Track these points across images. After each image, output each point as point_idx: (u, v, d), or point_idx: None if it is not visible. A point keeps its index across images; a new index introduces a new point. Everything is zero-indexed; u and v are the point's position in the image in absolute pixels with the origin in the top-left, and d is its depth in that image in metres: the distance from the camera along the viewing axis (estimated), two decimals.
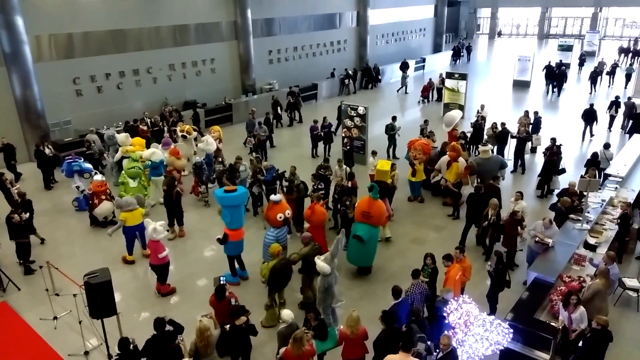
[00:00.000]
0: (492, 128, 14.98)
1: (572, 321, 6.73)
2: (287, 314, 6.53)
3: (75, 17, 16.35)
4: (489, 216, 9.58)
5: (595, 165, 12.09)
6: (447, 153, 12.25)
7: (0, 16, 14.27)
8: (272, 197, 9.30)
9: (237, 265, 9.36)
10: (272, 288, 7.98)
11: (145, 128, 15.89)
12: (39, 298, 8.83)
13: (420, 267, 7.80)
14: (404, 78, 25.74)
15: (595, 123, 17.20)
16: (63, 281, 8.88)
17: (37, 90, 15.34)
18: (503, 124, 14.94)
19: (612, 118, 18.17)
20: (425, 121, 15.48)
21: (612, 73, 25.38)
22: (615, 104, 18.07)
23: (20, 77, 15.00)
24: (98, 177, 11.43)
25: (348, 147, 14.48)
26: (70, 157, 12.88)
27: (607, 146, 13.23)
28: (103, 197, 11.17)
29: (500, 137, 14.82)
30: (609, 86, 24.88)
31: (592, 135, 17.34)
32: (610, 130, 18.14)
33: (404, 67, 27.22)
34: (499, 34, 47.28)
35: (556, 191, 11.89)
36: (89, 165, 13.00)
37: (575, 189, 10.20)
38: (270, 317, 7.99)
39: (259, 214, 11.94)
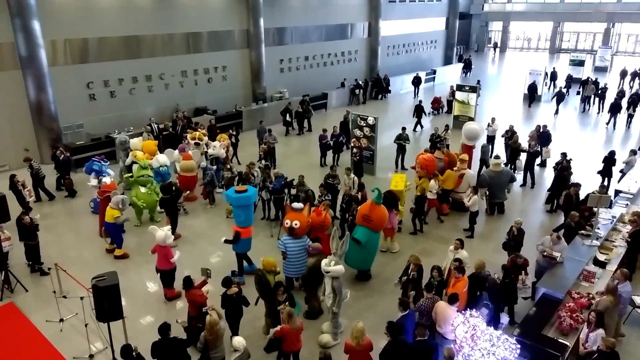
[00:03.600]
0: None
1: (588, 339, 6.66)
2: (238, 341, 6.29)
3: (90, 23, 16.59)
4: (409, 271, 8.20)
5: (612, 163, 13.16)
6: (442, 159, 12.67)
7: (17, 20, 14.54)
8: (294, 204, 9.40)
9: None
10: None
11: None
12: (46, 300, 8.89)
13: (427, 280, 7.79)
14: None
15: (619, 113, 20.24)
16: (71, 284, 8.93)
17: (51, 93, 15.54)
18: (493, 119, 16.62)
19: (630, 117, 20.37)
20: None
21: (602, 97, 23.16)
22: (633, 104, 20.28)
23: (35, 80, 15.20)
24: (106, 179, 11.51)
25: (357, 158, 14.49)
26: (97, 157, 12.97)
27: (634, 152, 13.60)
28: None
29: (489, 137, 16.47)
30: (598, 113, 22.98)
31: (614, 127, 20.14)
32: (628, 128, 20.22)
33: (417, 81, 27.15)
34: (495, 46, 47.11)
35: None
36: (110, 171, 12.68)
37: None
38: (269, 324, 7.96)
39: (266, 220, 12.04)
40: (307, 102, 20.73)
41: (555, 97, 23.45)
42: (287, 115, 19.80)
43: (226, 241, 9.34)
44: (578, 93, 24.88)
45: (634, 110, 20.03)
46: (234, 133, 16.39)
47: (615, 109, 20.16)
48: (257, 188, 11.99)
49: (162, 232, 8.72)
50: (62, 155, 13.88)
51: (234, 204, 9.35)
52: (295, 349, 6.91)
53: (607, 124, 20.55)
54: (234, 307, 7.40)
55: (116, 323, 7.12)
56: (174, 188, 11.09)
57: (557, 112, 22.99)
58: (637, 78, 28.48)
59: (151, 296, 9.29)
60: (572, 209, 10.44)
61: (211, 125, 17.29)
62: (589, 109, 23.62)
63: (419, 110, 20.56)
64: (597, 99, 23.49)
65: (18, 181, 12.02)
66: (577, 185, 11.33)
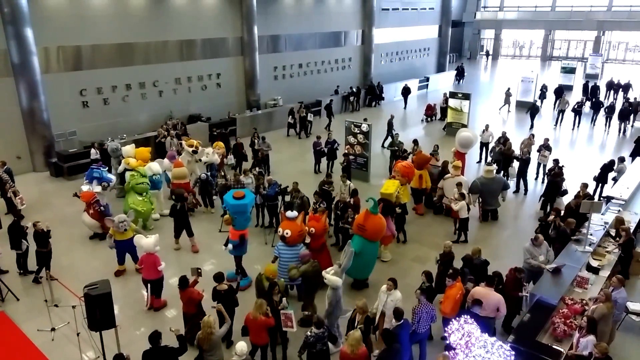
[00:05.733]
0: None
1: (579, 344, 6.67)
2: (241, 346, 6.28)
3: (83, 30, 16.56)
4: (355, 323, 7.12)
5: (610, 170, 13.44)
6: (413, 159, 12.99)
7: (10, 27, 14.48)
8: (288, 213, 9.39)
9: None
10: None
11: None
12: (37, 309, 8.79)
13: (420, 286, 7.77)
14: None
15: (631, 120, 21.34)
16: (62, 292, 8.85)
17: (44, 101, 15.47)
18: (487, 126, 17.07)
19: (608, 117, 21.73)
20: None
21: (578, 112, 21.64)
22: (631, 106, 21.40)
23: (27, 87, 15.12)
24: (85, 187, 11.49)
25: (345, 164, 14.39)
26: (96, 165, 12.95)
27: (622, 160, 13.76)
28: (87, 209, 11.19)
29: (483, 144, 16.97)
30: (573, 128, 21.63)
31: (594, 124, 22.17)
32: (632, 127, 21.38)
33: (405, 92, 27.16)
34: (487, 53, 47.59)
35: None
36: (110, 176, 12.74)
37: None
38: None
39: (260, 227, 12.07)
40: (309, 108, 21.13)
41: (529, 111, 21.99)
42: (290, 117, 20.16)
43: (229, 244, 9.51)
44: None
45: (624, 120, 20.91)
46: (255, 139, 16.34)
47: (596, 106, 22.17)
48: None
49: (151, 239, 8.78)
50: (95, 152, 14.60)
51: (236, 210, 9.40)
52: (258, 342, 6.97)
53: (591, 122, 22.34)
54: (223, 303, 7.48)
55: (108, 332, 7.05)
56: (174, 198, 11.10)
57: (532, 126, 21.49)
58: (620, 90, 27.25)
59: (144, 304, 9.17)
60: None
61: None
62: (560, 122, 22.31)
63: (444, 112, 21.79)
64: (574, 114, 21.77)
65: (8, 188, 11.92)
66: (578, 197, 11.07)
